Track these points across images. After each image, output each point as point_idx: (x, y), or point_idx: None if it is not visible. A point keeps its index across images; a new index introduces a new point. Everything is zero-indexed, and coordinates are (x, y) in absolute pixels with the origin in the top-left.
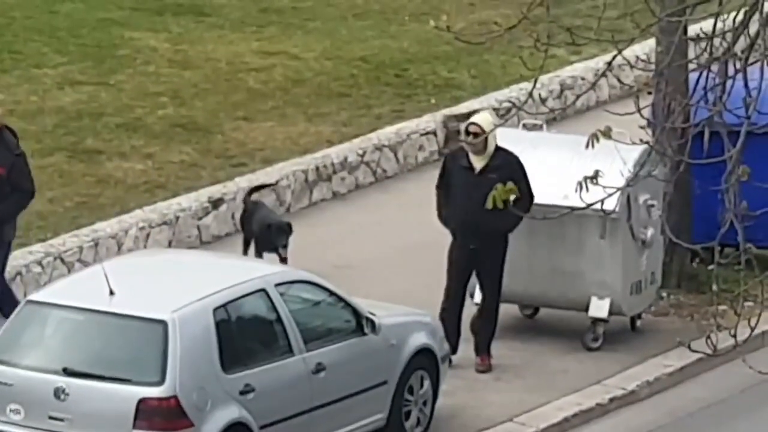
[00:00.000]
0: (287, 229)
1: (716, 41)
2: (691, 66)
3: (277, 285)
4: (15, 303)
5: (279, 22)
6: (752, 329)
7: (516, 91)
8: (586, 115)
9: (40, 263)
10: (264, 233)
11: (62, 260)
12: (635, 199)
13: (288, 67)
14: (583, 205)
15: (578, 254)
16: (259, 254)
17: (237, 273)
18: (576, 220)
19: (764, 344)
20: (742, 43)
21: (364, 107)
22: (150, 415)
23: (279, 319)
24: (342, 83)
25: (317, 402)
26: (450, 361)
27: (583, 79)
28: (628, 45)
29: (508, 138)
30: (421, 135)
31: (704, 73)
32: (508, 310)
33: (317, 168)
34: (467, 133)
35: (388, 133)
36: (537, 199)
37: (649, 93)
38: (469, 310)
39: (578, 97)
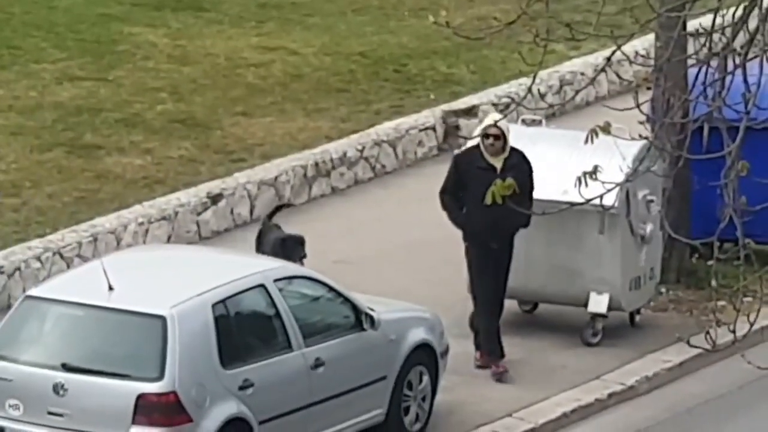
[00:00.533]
0: (302, 242)
1: (715, 36)
2: (691, 61)
3: (276, 280)
4: None
5: (278, 18)
6: (751, 325)
7: (515, 87)
8: (586, 110)
9: (38, 258)
10: (278, 249)
11: (61, 255)
12: (634, 194)
13: (287, 63)
14: (582, 200)
15: (577, 250)
16: None
17: (236, 268)
18: (575, 216)
19: (763, 339)
20: (741, 38)
21: (363, 103)
22: (149, 411)
23: (278, 315)
24: (341, 79)
25: (316, 397)
26: (505, 371)
27: (582, 74)
28: (628, 40)
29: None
30: (420, 130)
31: (703, 69)
32: (507, 306)
33: (316, 163)
34: (486, 136)
35: (387, 128)
36: (536, 195)
37: (649, 88)
38: (468, 308)
39: (577, 92)
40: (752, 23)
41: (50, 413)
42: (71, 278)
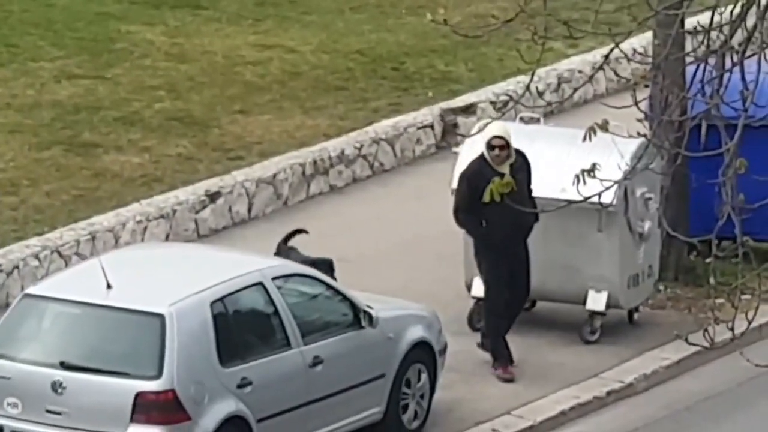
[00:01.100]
0: (333, 265)
1: (713, 34)
2: (689, 59)
3: (275, 278)
4: None
5: (276, 16)
6: (749, 322)
7: (513, 85)
8: (584, 108)
9: (37, 257)
10: None
11: (59, 254)
12: (632, 192)
13: (285, 61)
14: (580, 198)
15: (575, 247)
16: None
17: (234, 266)
18: (573, 214)
19: (762, 337)
20: (739, 36)
21: (361, 100)
22: (147, 409)
23: (276, 313)
24: (339, 76)
25: (314, 395)
26: (512, 378)
27: (580, 72)
28: (626, 38)
29: None
30: (419, 128)
31: (701, 66)
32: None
33: (314, 161)
34: (491, 147)
35: (385, 126)
36: (534, 193)
37: (647, 86)
38: (467, 306)
39: (575, 90)
40: (750, 21)
41: (49, 411)
42: (69, 276)
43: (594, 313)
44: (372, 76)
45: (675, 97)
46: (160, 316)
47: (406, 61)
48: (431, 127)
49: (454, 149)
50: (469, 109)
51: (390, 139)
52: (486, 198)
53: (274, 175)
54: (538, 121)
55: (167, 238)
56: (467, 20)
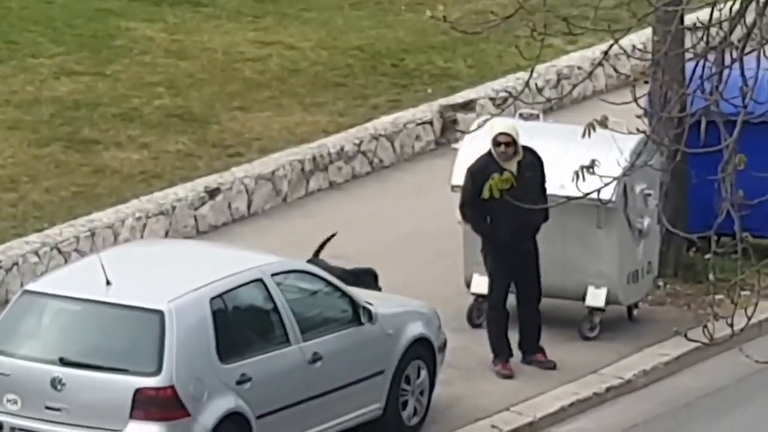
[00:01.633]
0: (376, 276)
1: (713, 30)
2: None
3: (274, 275)
4: None
5: (275, 12)
6: (749, 318)
7: (512, 81)
8: (583, 104)
9: (36, 253)
10: (351, 282)
11: (59, 250)
12: (632, 188)
13: (284, 57)
14: (579, 194)
15: (575, 244)
16: None
17: (233, 263)
18: (572, 210)
19: (761, 333)
20: (738, 32)
21: (361, 97)
22: (147, 405)
23: (276, 309)
24: (338, 73)
25: (314, 392)
26: (511, 374)
27: (579, 68)
28: (625, 34)
29: None
30: (418, 125)
31: (701, 63)
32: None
33: (314, 158)
34: (497, 144)
35: (384, 122)
36: None
37: (646, 82)
38: (466, 302)
39: (575, 86)
40: (749, 17)
41: (48, 408)
42: (69, 273)
43: (593, 310)
44: (371, 72)
45: (674, 94)
46: (160, 313)
47: (405, 57)
48: (430, 123)
49: (454, 146)
50: (468, 106)
51: (389, 135)
52: (485, 194)
53: (274, 172)
54: (537, 117)
55: (166, 234)
56: (466, 17)
